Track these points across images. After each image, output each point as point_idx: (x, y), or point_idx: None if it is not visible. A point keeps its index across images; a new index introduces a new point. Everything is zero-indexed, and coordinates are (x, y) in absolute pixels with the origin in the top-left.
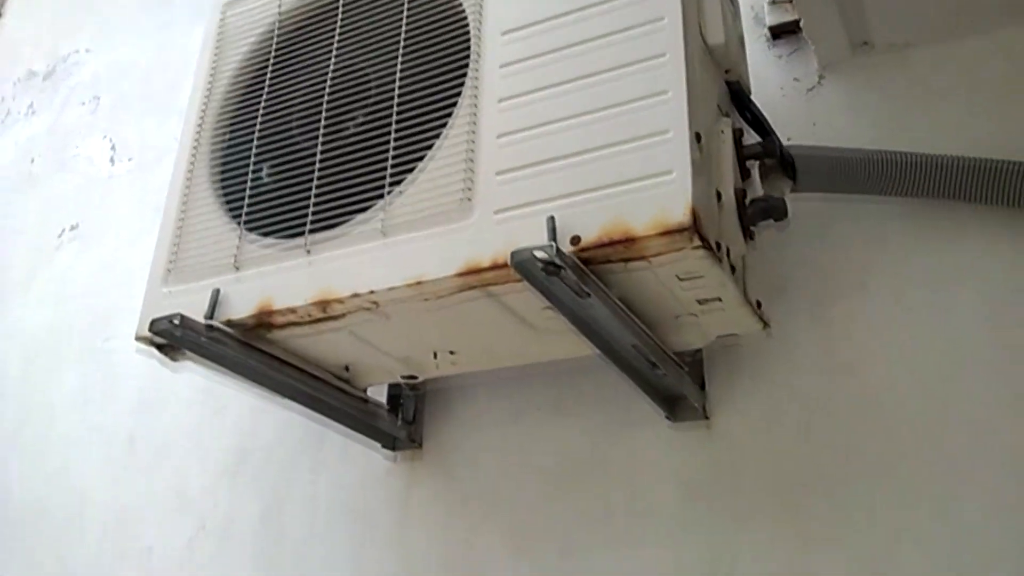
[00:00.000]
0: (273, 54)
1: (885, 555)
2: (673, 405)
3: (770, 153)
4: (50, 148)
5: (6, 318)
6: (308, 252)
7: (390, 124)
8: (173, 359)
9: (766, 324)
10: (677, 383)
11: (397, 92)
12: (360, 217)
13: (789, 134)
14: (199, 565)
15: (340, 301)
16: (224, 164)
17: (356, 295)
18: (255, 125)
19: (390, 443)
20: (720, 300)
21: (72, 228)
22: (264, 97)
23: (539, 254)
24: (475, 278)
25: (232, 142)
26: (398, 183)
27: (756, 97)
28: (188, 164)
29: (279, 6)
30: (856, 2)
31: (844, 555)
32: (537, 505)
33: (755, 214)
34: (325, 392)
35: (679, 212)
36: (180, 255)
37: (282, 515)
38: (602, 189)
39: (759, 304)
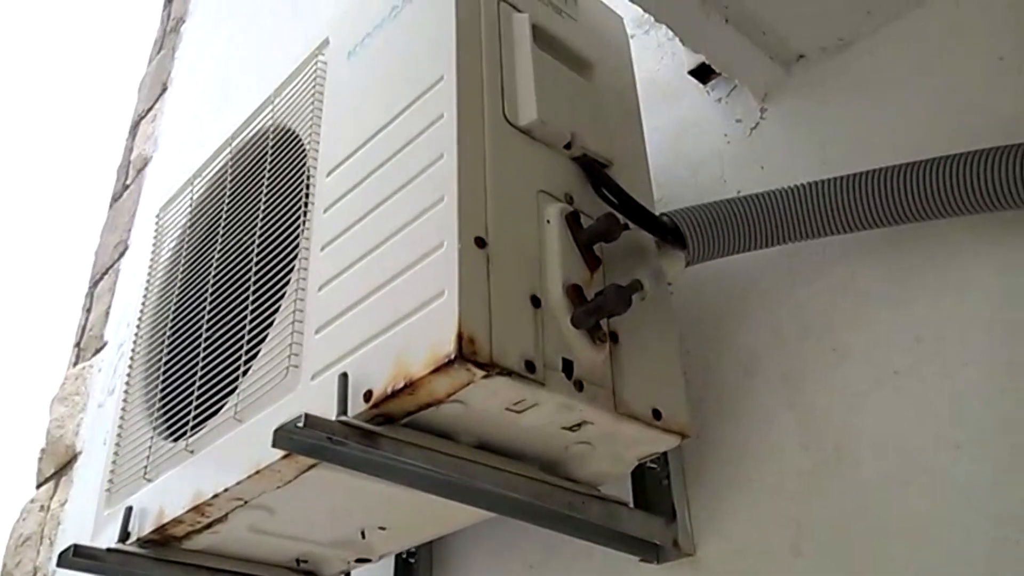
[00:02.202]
0: (184, 250)
1: None
2: (650, 544)
3: (610, 231)
4: None
5: None
6: (192, 452)
7: (247, 299)
8: None
9: (684, 435)
10: (618, 522)
11: (255, 262)
12: (228, 404)
13: (739, 186)
14: None
15: (210, 504)
16: (150, 367)
17: (216, 495)
18: (168, 322)
19: None
20: (591, 423)
21: None
22: (176, 294)
23: (300, 426)
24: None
25: (156, 342)
26: (255, 358)
27: (700, 150)
28: (127, 371)
29: (191, 199)
30: (753, 18)
31: None
32: None
33: (582, 316)
34: None
35: (447, 340)
36: (117, 471)
37: None
38: (389, 330)
39: (657, 414)
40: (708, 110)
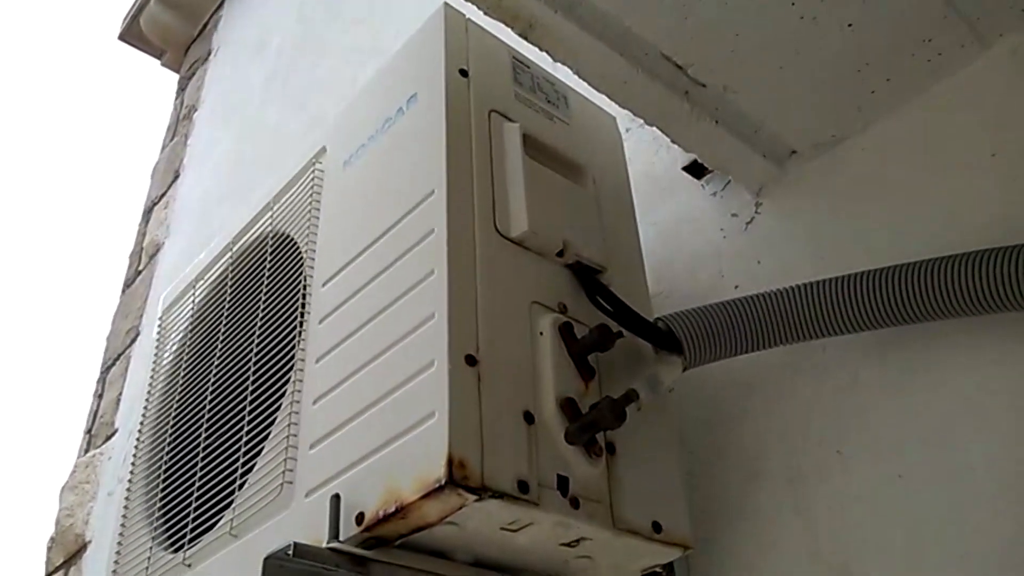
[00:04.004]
0: (186, 354)
1: None
2: None
3: (603, 342)
4: None
5: None
6: (189, 566)
7: (244, 408)
8: None
9: (685, 547)
10: None
11: (253, 371)
12: (224, 517)
13: (736, 280)
14: None
15: None
16: (151, 472)
17: None
18: (168, 428)
19: None
20: (589, 539)
21: None
22: (177, 399)
23: (290, 554)
24: None
25: (157, 447)
26: (251, 471)
27: (697, 244)
28: (128, 476)
29: (193, 302)
30: (744, 117)
31: None
32: None
33: (576, 433)
34: None
35: (437, 465)
36: None
37: None
38: (381, 450)
39: (657, 526)
40: (704, 204)
